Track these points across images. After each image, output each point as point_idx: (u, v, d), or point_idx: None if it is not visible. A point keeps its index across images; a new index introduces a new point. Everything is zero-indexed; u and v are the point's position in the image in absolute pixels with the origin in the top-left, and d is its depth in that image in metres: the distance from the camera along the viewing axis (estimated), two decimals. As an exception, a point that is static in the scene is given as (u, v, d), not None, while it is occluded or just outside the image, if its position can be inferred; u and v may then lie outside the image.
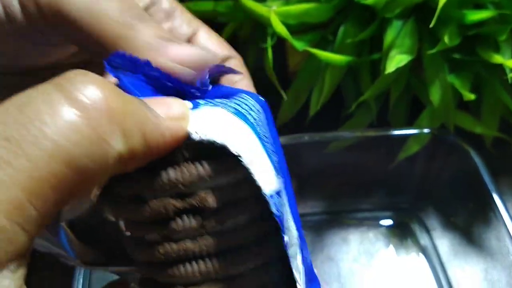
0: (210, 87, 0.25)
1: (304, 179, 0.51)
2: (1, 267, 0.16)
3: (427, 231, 0.49)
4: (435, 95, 0.44)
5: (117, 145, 0.17)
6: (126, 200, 0.22)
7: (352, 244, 0.49)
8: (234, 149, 0.21)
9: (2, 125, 0.16)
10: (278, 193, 0.22)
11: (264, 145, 0.22)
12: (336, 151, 0.47)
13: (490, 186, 0.42)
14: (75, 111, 0.16)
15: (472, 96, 0.42)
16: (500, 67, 0.42)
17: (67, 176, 0.16)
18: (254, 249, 0.23)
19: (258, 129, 0.22)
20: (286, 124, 0.50)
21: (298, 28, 0.46)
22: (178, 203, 0.21)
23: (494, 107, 0.46)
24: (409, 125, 0.49)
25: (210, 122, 0.21)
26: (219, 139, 0.21)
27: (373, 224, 0.50)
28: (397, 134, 0.46)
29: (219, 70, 0.27)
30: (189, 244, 0.21)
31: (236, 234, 0.22)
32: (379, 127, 0.48)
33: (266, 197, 0.21)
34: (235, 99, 0.23)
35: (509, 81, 0.41)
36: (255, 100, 0.24)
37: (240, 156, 0.21)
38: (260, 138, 0.22)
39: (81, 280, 0.38)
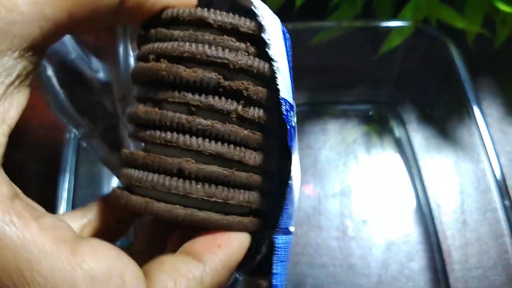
0: None
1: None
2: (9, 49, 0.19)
3: (403, 124, 0.50)
4: (419, -12, 0.43)
5: None
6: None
7: (330, 134, 0.51)
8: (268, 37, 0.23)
9: None
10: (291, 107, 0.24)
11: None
12: (320, 43, 0.47)
13: (466, 81, 0.42)
14: None
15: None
16: (488, -38, 0.41)
17: None
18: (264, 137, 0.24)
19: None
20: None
21: None
22: (222, 80, 0.23)
23: (478, 2, 0.46)
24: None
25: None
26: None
27: (352, 116, 0.52)
28: (380, 26, 0.46)
29: None
30: (218, 125, 0.23)
31: (257, 125, 0.24)
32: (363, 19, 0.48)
33: (280, 98, 0.23)
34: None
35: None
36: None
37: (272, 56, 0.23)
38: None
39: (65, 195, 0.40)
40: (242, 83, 0.23)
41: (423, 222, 0.46)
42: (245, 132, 0.23)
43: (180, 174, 0.23)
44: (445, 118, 0.47)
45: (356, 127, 0.51)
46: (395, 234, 0.45)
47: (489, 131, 0.41)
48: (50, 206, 0.39)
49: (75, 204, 0.39)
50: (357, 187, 0.48)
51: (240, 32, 0.23)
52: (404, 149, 0.50)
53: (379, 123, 0.51)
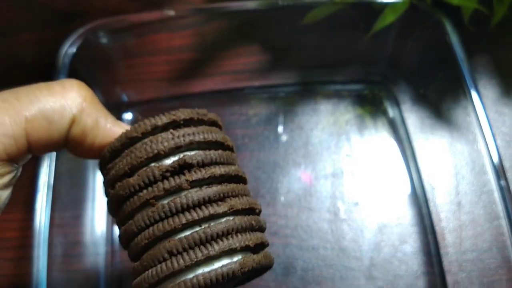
0: None
1: (280, 50, 0.50)
2: None
3: (397, 104, 0.49)
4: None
5: (73, 109, 0.26)
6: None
7: (322, 114, 0.49)
8: None
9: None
10: None
11: None
12: (313, 22, 0.46)
13: (462, 60, 0.41)
14: (59, 88, 0.27)
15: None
16: None
17: (39, 119, 0.25)
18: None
19: None
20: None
21: None
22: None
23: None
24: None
25: None
26: None
27: (345, 96, 0.50)
28: (374, 2, 0.45)
29: None
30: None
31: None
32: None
33: None
34: None
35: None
36: None
37: None
38: None
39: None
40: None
41: (416, 204, 0.45)
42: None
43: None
44: (440, 98, 0.46)
45: (348, 108, 0.50)
46: (388, 216, 0.44)
47: (485, 112, 0.40)
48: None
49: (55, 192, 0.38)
50: (349, 168, 0.47)
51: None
52: (398, 130, 0.48)
53: (372, 103, 0.50)
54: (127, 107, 0.50)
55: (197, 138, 0.27)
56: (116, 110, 0.49)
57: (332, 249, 0.43)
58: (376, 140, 0.48)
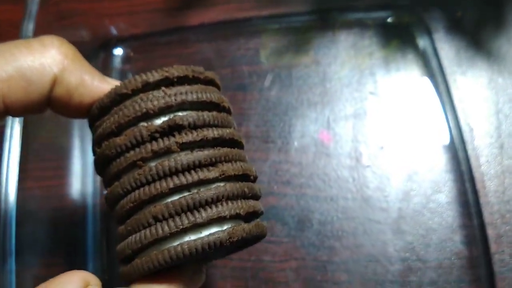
0: None
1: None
2: None
3: (429, 33, 0.44)
4: None
5: (54, 68, 0.26)
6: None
7: (341, 47, 0.45)
8: None
9: None
10: None
11: None
12: None
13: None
14: (38, 46, 0.26)
15: None
16: None
17: (16, 79, 0.25)
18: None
19: None
20: None
21: None
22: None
23: None
24: None
25: None
26: None
27: (368, 25, 0.46)
28: None
29: None
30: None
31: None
32: None
33: None
34: None
35: None
36: None
37: None
38: None
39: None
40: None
41: (452, 148, 0.40)
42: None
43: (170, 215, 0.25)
44: (479, 24, 0.41)
45: (372, 38, 0.45)
46: (419, 161, 0.40)
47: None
48: None
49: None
50: (373, 108, 0.42)
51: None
52: (429, 63, 0.43)
53: (400, 32, 0.45)
54: (116, 42, 0.46)
55: (190, 97, 0.26)
56: (104, 45, 0.45)
57: (353, 199, 0.39)
58: (405, 75, 0.44)
